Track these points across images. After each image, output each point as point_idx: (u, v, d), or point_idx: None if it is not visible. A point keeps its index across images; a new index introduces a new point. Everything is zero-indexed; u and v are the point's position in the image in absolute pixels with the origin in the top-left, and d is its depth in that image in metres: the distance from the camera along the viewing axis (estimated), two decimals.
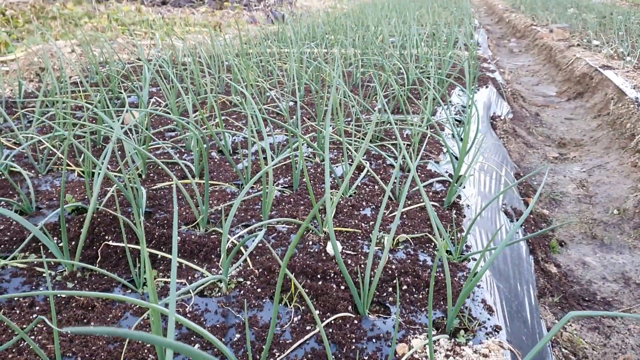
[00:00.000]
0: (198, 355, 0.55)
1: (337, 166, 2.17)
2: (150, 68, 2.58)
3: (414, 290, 1.32)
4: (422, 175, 2.06)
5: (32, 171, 2.08)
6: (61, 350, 1.09)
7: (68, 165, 2.13)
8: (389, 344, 1.13)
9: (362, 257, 1.44)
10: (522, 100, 4.68)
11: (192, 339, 1.14)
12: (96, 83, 3.59)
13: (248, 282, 1.33)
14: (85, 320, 1.19)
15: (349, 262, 1.41)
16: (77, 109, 3.05)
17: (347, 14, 7.69)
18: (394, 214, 1.72)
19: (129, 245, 1.44)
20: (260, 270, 1.37)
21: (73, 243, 1.49)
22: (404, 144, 2.38)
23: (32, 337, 1.13)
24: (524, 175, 2.80)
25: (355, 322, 1.19)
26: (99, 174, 1.61)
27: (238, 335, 1.15)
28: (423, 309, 1.24)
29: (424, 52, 4.08)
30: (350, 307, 1.24)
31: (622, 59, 5.20)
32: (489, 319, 1.22)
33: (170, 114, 2.68)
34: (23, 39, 5.14)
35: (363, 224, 1.65)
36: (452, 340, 1.14)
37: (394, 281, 1.34)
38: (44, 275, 1.37)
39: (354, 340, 1.13)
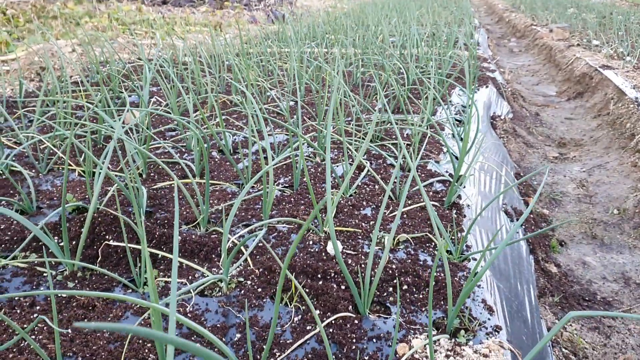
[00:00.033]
0: (198, 351, 0.56)
1: (337, 166, 2.17)
2: (150, 67, 2.58)
3: (415, 290, 1.32)
4: (423, 175, 2.06)
5: (33, 171, 2.08)
6: (62, 350, 1.09)
7: (69, 164, 2.13)
8: (390, 344, 1.13)
9: (363, 257, 1.45)
10: (522, 100, 4.68)
11: (192, 338, 1.14)
12: (97, 82, 3.59)
13: (248, 282, 1.33)
14: (85, 320, 1.19)
15: (350, 261, 1.41)
16: (78, 108, 3.05)
17: (347, 14, 7.68)
18: (394, 213, 1.72)
19: (129, 244, 1.44)
20: (260, 269, 1.37)
21: (74, 243, 1.50)
22: (404, 144, 2.38)
23: (33, 337, 1.13)
24: (524, 175, 2.80)
25: (356, 322, 1.19)
26: (99, 173, 1.61)
27: (238, 335, 1.15)
28: (423, 309, 1.24)
29: (424, 52, 4.08)
30: (350, 307, 1.24)
31: (622, 59, 5.20)
32: (489, 319, 1.22)
33: (170, 113, 2.68)
34: (24, 38, 5.14)
35: (363, 224, 1.65)
36: (453, 340, 1.14)
37: (395, 281, 1.34)
38: (44, 274, 1.37)
39: (354, 340, 1.13)
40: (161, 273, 1.39)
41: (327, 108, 2.72)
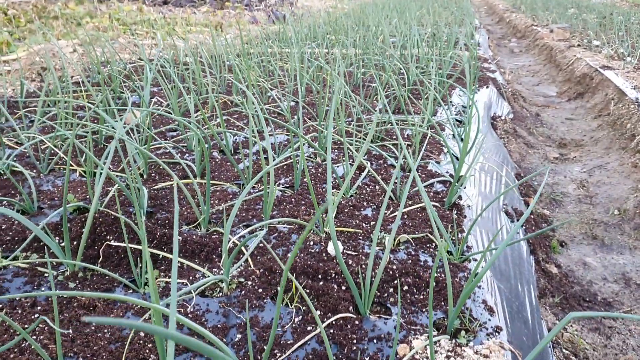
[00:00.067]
0: (198, 346, 0.56)
1: (338, 166, 2.17)
2: (151, 68, 2.58)
3: (415, 290, 1.32)
4: (423, 176, 2.07)
5: (34, 171, 2.09)
6: (63, 350, 1.09)
7: (70, 165, 2.13)
8: (390, 344, 1.13)
9: (363, 258, 1.45)
10: (523, 100, 4.68)
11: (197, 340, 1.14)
12: (98, 83, 3.59)
13: (249, 283, 1.33)
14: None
15: (350, 262, 1.42)
16: (79, 108, 3.05)
17: (348, 14, 7.69)
18: (394, 214, 1.73)
19: (130, 245, 1.44)
20: (261, 270, 1.37)
21: (75, 243, 1.50)
22: (405, 144, 2.38)
23: (34, 337, 1.13)
24: (524, 175, 2.80)
25: (356, 322, 1.19)
26: (100, 174, 1.62)
27: (239, 336, 1.16)
28: (424, 310, 1.25)
29: (425, 53, 4.08)
30: (351, 307, 1.24)
31: (623, 60, 5.20)
32: (489, 320, 1.22)
33: (171, 113, 2.68)
34: (25, 38, 5.14)
35: (364, 224, 1.65)
36: (453, 341, 1.14)
37: (395, 281, 1.34)
38: (45, 275, 1.37)
39: (354, 341, 1.13)
40: (162, 273, 1.39)
41: (328, 108, 2.72)
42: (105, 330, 1.16)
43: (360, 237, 1.57)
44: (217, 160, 2.24)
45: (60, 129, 2.05)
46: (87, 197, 1.81)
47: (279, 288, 1.29)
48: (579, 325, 1.71)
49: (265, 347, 1.11)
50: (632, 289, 1.94)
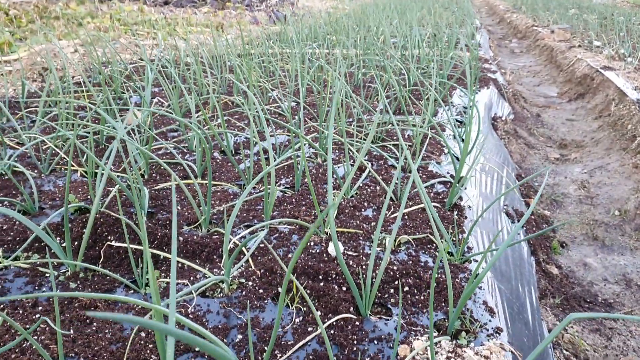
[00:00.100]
0: (198, 342, 0.56)
1: (338, 167, 2.17)
2: (152, 68, 2.59)
3: (416, 291, 1.32)
4: (424, 176, 2.07)
5: (35, 171, 2.09)
6: (64, 351, 1.09)
7: (71, 165, 2.14)
8: (391, 345, 1.13)
9: (364, 258, 1.45)
10: (524, 101, 4.68)
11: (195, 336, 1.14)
12: (99, 83, 3.59)
13: (250, 283, 1.34)
14: (87, 321, 1.20)
15: (351, 263, 1.42)
16: (80, 109, 3.06)
17: (348, 15, 7.69)
18: (395, 214, 1.73)
19: (131, 245, 1.44)
20: (262, 271, 1.37)
21: (76, 243, 1.50)
22: (406, 145, 2.39)
23: (35, 338, 1.14)
24: (525, 176, 2.80)
25: (357, 323, 1.19)
26: (102, 174, 1.62)
27: (240, 336, 1.16)
28: (424, 311, 1.25)
29: (426, 53, 4.08)
30: (351, 308, 1.24)
31: (623, 60, 5.19)
32: (490, 321, 1.22)
33: (172, 114, 2.68)
34: (26, 38, 5.15)
35: (365, 225, 1.65)
36: (454, 341, 1.14)
37: (396, 282, 1.34)
38: (46, 275, 1.37)
39: (355, 342, 1.14)
40: (163, 274, 1.39)
41: (329, 109, 2.72)
42: (107, 331, 1.17)
43: (361, 238, 1.57)
44: (218, 160, 2.24)
45: (62, 130, 2.06)
46: (88, 197, 1.82)
47: (279, 289, 1.30)
48: (579, 326, 1.71)
49: (266, 348, 1.11)
50: (633, 290, 1.94)
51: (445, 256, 1.14)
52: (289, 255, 1.47)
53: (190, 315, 1.22)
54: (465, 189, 1.98)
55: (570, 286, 1.95)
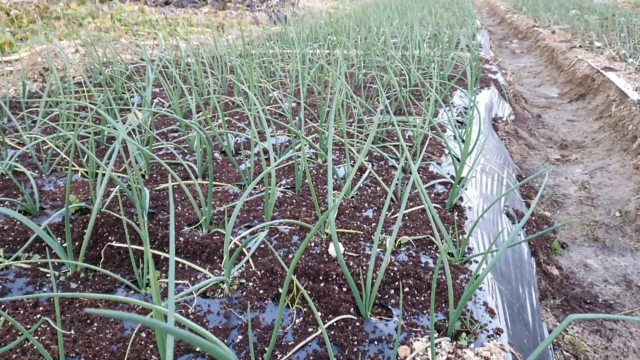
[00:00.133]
0: (198, 341, 0.56)
1: (339, 167, 2.17)
2: (153, 68, 2.59)
3: (416, 292, 1.32)
4: (424, 177, 2.07)
5: (36, 171, 2.09)
6: (65, 351, 1.09)
7: (72, 165, 2.14)
8: (391, 346, 1.13)
9: (364, 259, 1.45)
10: (524, 101, 4.68)
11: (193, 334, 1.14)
12: (99, 83, 3.60)
13: (250, 284, 1.34)
14: (88, 321, 1.20)
15: (351, 263, 1.42)
16: (81, 109, 3.06)
17: (349, 15, 7.69)
18: (395, 215, 1.73)
19: (132, 246, 1.45)
20: (262, 271, 1.37)
21: (77, 243, 1.50)
22: (406, 146, 2.39)
23: (36, 338, 1.14)
24: (525, 176, 2.80)
25: (357, 324, 1.19)
26: (102, 174, 1.62)
27: (240, 337, 1.16)
28: (425, 312, 1.25)
29: (426, 54, 4.08)
30: (352, 309, 1.24)
31: (624, 61, 5.19)
32: (490, 322, 1.22)
33: (173, 114, 2.68)
34: (27, 39, 5.16)
35: (365, 226, 1.65)
36: (454, 342, 1.14)
37: (396, 283, 1.34)
38: (47, 275, 1.38)
39: (355, 343, 1.14)
40: (164, 274, 1.40)
41: (329, 109, 2.72)
42: (107, 331, 1.17)
43: (362, 239, 1.57)
44: (219, 161, 2.25)
45: (62, 130, 2.06)
46: (89, 197, 1.82)
47: (280, 289, 1.30)
48: (579, 327, 1.71)
49: (266, 348, 1.11)
50: (634, 291, 1.94)
51: (446, 257, 1.14)
52: (290, 256, 1.48)
53: (190, 316, 1.22)
54: (466, 189, 1.98)
55: (571, 287, 1.94)
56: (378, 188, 1.95)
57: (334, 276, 1.35)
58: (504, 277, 1.55)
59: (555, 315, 1.71)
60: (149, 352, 1.10)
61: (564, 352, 1.51)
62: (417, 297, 1.30)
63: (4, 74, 3.14)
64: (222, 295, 1.30)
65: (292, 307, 1.26)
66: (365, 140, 2.37)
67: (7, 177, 1.99)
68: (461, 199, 1.88)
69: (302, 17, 7.96)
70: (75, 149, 2.29)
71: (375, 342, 1.14)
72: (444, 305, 1.27)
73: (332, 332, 1.17)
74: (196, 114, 2.53)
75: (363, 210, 1.76)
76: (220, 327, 1.18)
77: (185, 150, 2.36)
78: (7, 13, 6.15)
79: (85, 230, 1.50)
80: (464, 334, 1.17)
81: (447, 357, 1.09)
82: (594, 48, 6.16)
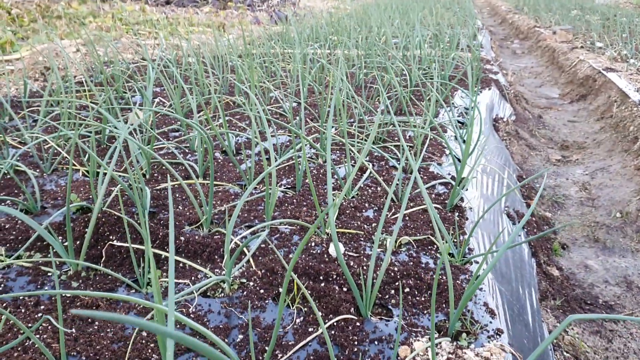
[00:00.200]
0: (197, 345, 0.56)
1: (340, 167, 2.17)
2: (154, 68, 2.59)
3: (416, 292, 1.32)
4: (425, 177, 2.07)
5: (37, 170, 2.10)
6: (66, 349, 1.10)
7: (73, 165, 2.14)
8: (391, 346, 1.13)
9: (365, 259, 1.45)
10: (525, 102, 4.68)
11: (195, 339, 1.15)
12: (101, 83, 3.60)
13: (251, 283, 1.34)
14: (89, 320, 1.20)
15: (352, 263, 1.42)
16: (82, 108, 3.06)
17: (350, 15, 7.69)
18: (396, 215, 1.73)
19: (133, 245, 1.45)
20: (263, 271, 1.37)
21: (78, 242, 1.51)
22: (407, 146, 2.39)
23: (38, 336, 1.14)
24: (526, 177, 2.80)
25: (358, 324, 1.19)
26: (104, 174, 1.62)
27: (241, 336, 1.16)
28: (425, 312, 1.25)
29: (427, 54, 4.08)
30: (352, 309, 1.24)
31: (626, 62, 5.19)
32: (490, 322, 1.22)
33: (174, 114, 2.69)
34: (28, 38, 5.16)
35: (365, 226, 1.65)
36: (454, 343, 1.14)
37: (396, 283, 1.34)
38: (48, 274, 1.38)
39: (356, 343, 1.14)
40: (165, 273, 1.40)
41: (329, 110, 2.72)
42: (108, 330, 1.17)
43: (362, 239, 1.57)
44: (220, 160, 2.25)
45: (64, 129, 2.06)
46: (90, 196, 1.82)
47: (280, 289, 1.30)
48: (580, 328, 1.71)
49: (267, 348, 1.11)
50: (634, 292, 1.94)
51: (447, 257, 1.15)
52: (290, 256, 1.48)
53: (191, 315, 1.22)
54: (467, 190, 1.98)
55: (571, 288, 1.95)
56: (379, 188, 1.95)
57: (335, 276, 1.35)
58: (505, 277, 1.55)
59: (556, 316, 1.71)
60: (149, 350, 1.11)
61: (564, 353, 1.51)
62: (417, 298, 1.30)
63: (6, 73, 3.15)
64: (222, 294, 1.30)
65: (293, 306, 1.26)
66: (366, 140, 2.38)
67: (8, 176, 1.99)
68: (462, 199, 1.88)
69: (303, 17, 7.97)
70: (77, 148, 2.30)
71: (376, 342, 1.14)
72: (444, 305, 1.27)
73: (333, 332, 1.17)
74: (197, 114, 2.53)
75: (364, 211, 1.76)
76: (221, 326, 1.18)
77: (186, 150, 2.36)
78: (9, 12, 6.16)
79: (86, 230, 1.51)
80: (464, 335, 1.17)
81: (448, 357, 1.09)
82: (596, 49, 6.16)
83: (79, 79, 3.73)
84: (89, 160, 2.11)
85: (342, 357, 1.10)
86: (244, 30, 6.37)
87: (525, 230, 2.14)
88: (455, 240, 1.58)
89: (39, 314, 1.22)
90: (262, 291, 1.31)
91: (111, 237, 1.50)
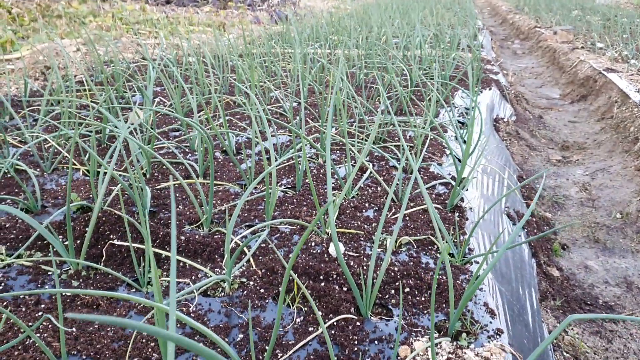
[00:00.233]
0: (197, 348, 0.57)
1: (340, 167, 2.17)
2: (155, 67, 2.59)
3: (416, 292, 1.32)
4: (425, 178, 2.07)
5: (38, 169, 2.10)
6: (66, 348, 1.10)
7: (73, 164, 2.14)
8: (391, 346, 1.13)
9: (365, 259, 1.45)
10: (526, 102, 4.68)
11: (195, 338, 1.15)
12: (101, 82, 3.60)
13: (251, 283, 1.34)
14: None
15: (352, 263, 1.42)
16: (82, 107, 3.06)
17: (350, 15, 7.69)
18: (396, 215, 1.73)
19: (133, 244, 1.45)
20: (263, 270, 1.38)
21: (78, 242, 1.51)
22: (407, 146, 2.39)
23: (38, 335, 1.14)
24: (526, 177, 2.80)
25: (358, 323, 1.19)
26: (104, 173, 1.62)
27: (241, 336, 1.16)
28: (425, 312, 1.25)
29: (428, 54, 4.08)
30: (352, 308, 1.24)
31: (627, 62, 5.19)
32: (491, 322, 1.22)
33: (174, 113, 2.69)
34: (29, 37, 5.16)
35: (366, 226, 1.65)
36: (454, 343, 1.14)
37: (397, 283, 1.34)
38: (49, 273, 1.38)
39: (356, 342, 1.14)
40: (165, 273, 1.40)
41: (329, 109, 2.72)
42: (109, 329, 1.17)
43: (362, 239, 1.57)
44: (220, 160, 2.25)
45: (64, 128, 2.07)
46: (91, 196, 1.82)
47: (280, 289, 1.30)
48: (580, 328, 1.71)
49: (267, 347, 1.11)
50: (634, 292, 1.94)
51: (447, 257, 1.15)
52: (290, 256, 1.48)
53: (191, 314, 1.22)
54: (467, 190, 1.98)
55: (571, 288, 1.95)
56: (379, 188, 1.95)
57: (335, 276, 1.35)
58: (505, 278, 1.55)
59: (556, 316, 1.71)
60: (150, 349, 1.11)
61: (564, 353, 1.51)
62: (417, 297, 1.30)
63: (6, 72, 3.15)
64: (223, 294, 1.30)
65: (293, 306, 1.26)
66: (366, 140, 2.38)
67: (9, 175, 1.99)
68: (462, 199, 1.88)
69: (303, 17, 7.96)
70: (77, 147, 2.30)
71: (376, 342, 1.14)
72: (444, 305, 1.27)
73: (333, 332, 1.17)
74: (197, 113, 2.53)
75: (364, 210, 1.76)
76: (221, 325, 1.18)
77: (187, 150, 2.36)
78: (9, 11, 6.16)
79: (86, 229, 1.51)
80: (464, 334, 1.17)
81: (448, 357, 1.09)
82: (596, 49, 6.16)
83: (79, 79, 3.73)
84: (89, 159, 2.11)
85: (342, 357, 1.10)
86: (244, 29, 6.37)
87: (526, 230, 2.14)
88: (455, 240, 1.58)
89: (40, 313, 1.22)
90: (262, 290, 1.31)
91: (111, 236, 1.50)
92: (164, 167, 2.12)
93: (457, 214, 1.77)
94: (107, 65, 4.07)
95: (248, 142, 2.48)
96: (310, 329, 1.18)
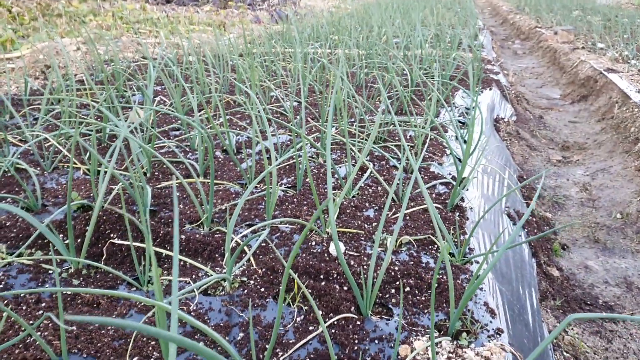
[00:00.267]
0: (198, 349, 0.57)
1: (340, 167, 2.18)
2: (155, 66, 2.59)
3: (417, 292, 1.32)
4: (425, 177, 2.07)
5: (38, 168, 2.10)
6: (67, 347, 1.10)
7: (73, 163, 2.14)
8: (392, 345, 1.13)
9: (365, 258, 1.45)
10: (526, 102, 4.68)
11: (196, 337, 1.15)
12: (101, 81, 3.60)
13: (251, 282, 1.34)
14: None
15: (352, 263, 1.42)
16: (83, 107, 3.07)
17: (351, 14, 7.69)
18: (397, 215, 1.73)
19: (134, 243, 1.45)
20: (263, 269, 1.38)
21: (79, 240, 1.51)
22: (407, 146, 2.39)
23: (39, 333, 1.14)
24: (527, 178, 2.80)
25: (358, 323, 1.20)
26: (105, 172, 1.63)
27: (242, 334, 1.16)
28: (425, 311, 1.25)
29: (428, 54, 4.08)
30: (352, 308, 1.25)
31: (627, 62, 5.19)
32: (491, 322, 1.22)
33: (175, 112, 2.69)
34: (29, 36, 5.16)
35: (366, 225, 1.65)
36: (454, 342, 1.14)
37: (397, 283, 1.34)
38: (49, 271, 1.38)
39: (356, 341, 1.14)
40: (165, 272, 1.40)
41: (329, 109, 2.72)
42: (109, 327, 1.17)
43: (362, 238, 1.57)
44: (220, 159, 2.25)
45: (64, 127, 2.07)
46: (91, 195, 1.82)
47: (281, 287, 1.30)
48: (580, 328, 1.71)
49: (267, 346, 1.12)
50: (634, 293, 1.94)
51: (447, 257, 1.15)
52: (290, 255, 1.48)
53: (192, 313, 1.22)
54: (467, 190, 1.98)
55: (571, 288, 1.95)
56: (379, 188, 1.95)
57: (335, 275, 1.35)
58: (505, 277, 1.55)
59: (556, 316, 1.71)
60: (150, 348, 1.11)
61: (564, 353, 1.51)
62: (417, 297, 1.30)
63: (6, 71, 3.15)
64: (223, 293, 1.30)
65: (293, 305, 1.26)
66: (366, 139, 2.38)
67: (9, 174, 1.99)
68: (462, 199, 1.88)
69: (303, 16, 7.96)
70: (77, 146, 2.30)
71: (376, 341, 1.14)
72: (444, 305, 1.27)
73: (333, 331, 1.17)
74: (198, 113, 2.53)
75: (364, 210, 1.77)
76: (221, 324, 1.19)
77: (187, 149, 2.36)
78: (9, 10, 6.15)
79: (87, 228, 1.51)
80: (464, 334, 1.17)
81: (448, 357, 1.09)
82: (597, 49, 6.16)
83: (79, 78, 3.73)
84: (89, 158, 2.11)
85: (342, 356, 1.10)
86: (245, 29, 6.36)
87: (526, 230, 2.14)
88: (455, 240, 1.59)
89: (40, 312, 1.22)
90: (262, 290, 1.31)
91: (112, 235, 1.51)
92: (164, 166, 2.12)
93: (458, 213, 1.77)
94: (108, 64, 4.07)
95: (248, 142, 2.48)
96: (310, 328, 1.18)
